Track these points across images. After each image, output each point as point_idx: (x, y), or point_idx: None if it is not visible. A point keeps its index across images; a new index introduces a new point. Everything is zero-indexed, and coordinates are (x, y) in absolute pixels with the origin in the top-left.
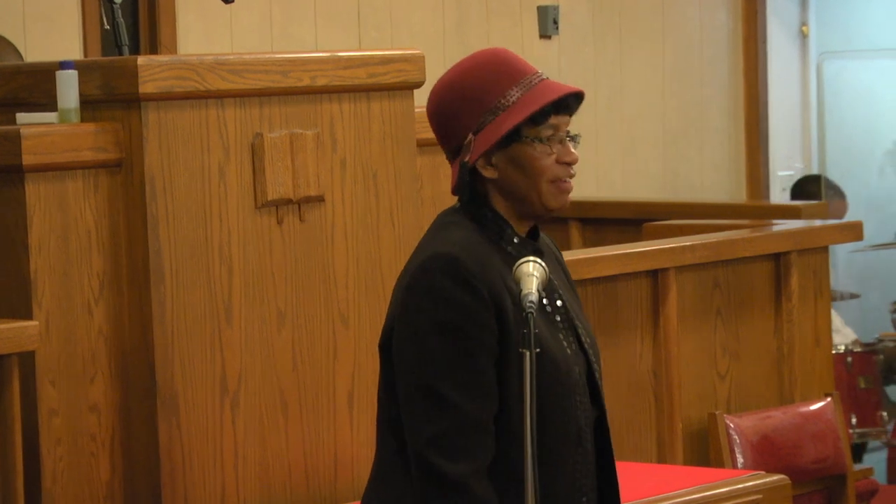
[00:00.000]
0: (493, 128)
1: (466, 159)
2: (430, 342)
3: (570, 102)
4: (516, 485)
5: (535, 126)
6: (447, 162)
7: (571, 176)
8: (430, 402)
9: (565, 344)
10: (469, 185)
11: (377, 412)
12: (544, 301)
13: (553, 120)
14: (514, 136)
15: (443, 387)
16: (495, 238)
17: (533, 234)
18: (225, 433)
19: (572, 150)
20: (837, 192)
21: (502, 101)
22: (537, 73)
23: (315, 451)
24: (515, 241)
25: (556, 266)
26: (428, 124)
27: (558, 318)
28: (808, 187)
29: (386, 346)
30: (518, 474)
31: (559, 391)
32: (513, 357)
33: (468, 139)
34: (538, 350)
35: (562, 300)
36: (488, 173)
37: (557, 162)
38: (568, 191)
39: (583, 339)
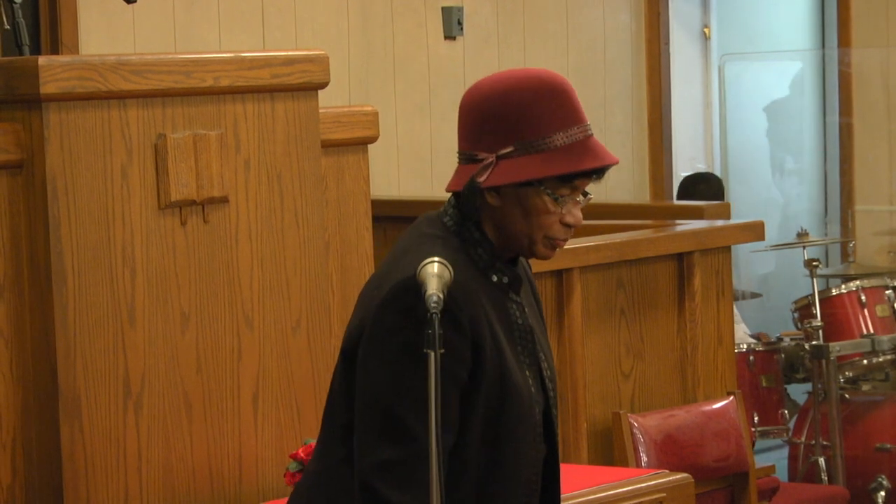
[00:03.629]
0: (519, 163)
1: (480, 180)
2: (400, 366)
3: (602, 170)
4: None
5: (557, 182)
6: (352, 163)
7: (567, 237)
8: (389, 426)
9: (531, 382)
10: (469, 205)
11: (326, 415)
12: (514, 333)
13: (577, 182)
14: (533, 181)
15: (405, 413)
16: (481, 263)
17: (513, 260)
18: (128, 435)
19: (579, 212)
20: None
21: (542, 142)
22: (586, 124)
23: (219, 452)
24: (499, 266)
25: (528, 292)
26: (332, 125)
27: (523, 355)
28: (698, 186)
29: (350, 353)
30: None
31: (519, 432)
32: (482, 391)
33: (489, 159)
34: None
35: (530, 334)
36: (492, 200)
37: (561, 221)
38: (558, 249)
39: (545, 374)
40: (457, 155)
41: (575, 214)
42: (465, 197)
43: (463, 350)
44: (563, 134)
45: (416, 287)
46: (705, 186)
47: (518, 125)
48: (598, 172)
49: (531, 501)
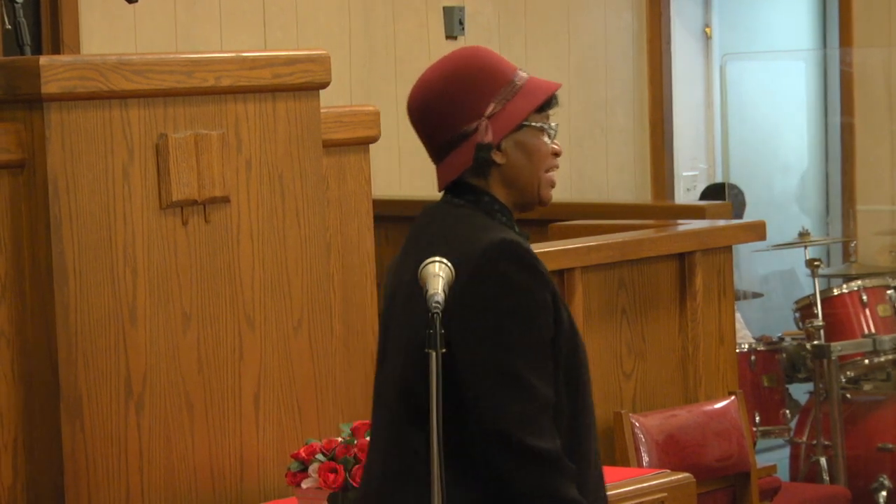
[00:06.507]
0: (507, 112)
1: (488, 140)
2: (506, 328)
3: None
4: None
5: (540, 114)
6: (353, 163)
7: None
8: (512, 386)
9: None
10: (484, 168)
11: (394, 408)
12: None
13: (549, 110)
14: (524, 121)
15: (522, 370)
16: (507, 226)
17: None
18: (129, 435)
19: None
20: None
21: (512, 86)
22: (520, 68)
23: (221, 452)
24: (518, 229)
25: None
26: (333, 125)
27: None
28: (720, 197)
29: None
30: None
31: (585, 376)
32: (562, 338)
33: (483, 124)
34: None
35: None
36: (499, 158)
37: (552, 153)
38: (554, 184)
39: None
40: (434, 157)
41: (558, 143)
42: (480, 161)
43: (549, 301)
44: (518, 76)
45: (499, 255)
46: (724, 197)
47: (487, 83)
48: (555, 97)
49: (595, 434)
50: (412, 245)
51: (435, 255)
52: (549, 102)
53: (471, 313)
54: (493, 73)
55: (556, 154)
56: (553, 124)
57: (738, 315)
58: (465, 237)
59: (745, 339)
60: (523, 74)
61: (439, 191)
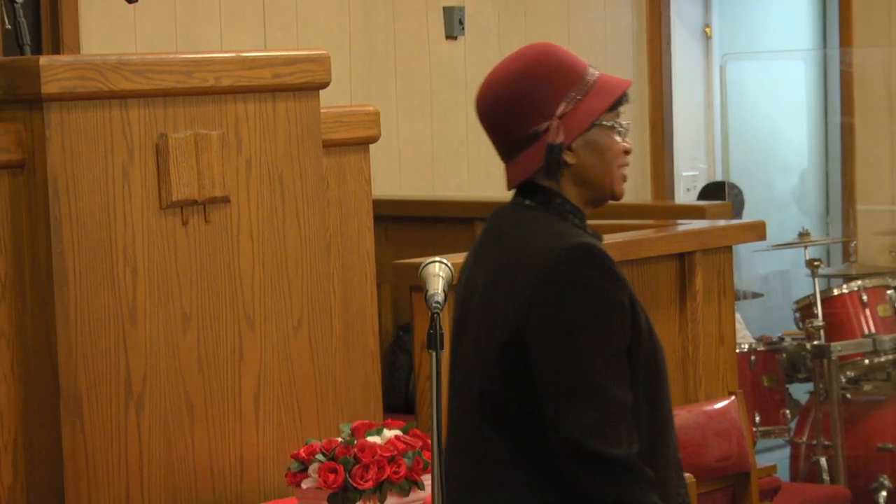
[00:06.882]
0: (578, 111)
1: (559, 141)
2: (582, 333)
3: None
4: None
5: (611, 112)
6: (353, 163)
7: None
8: (586, 392)
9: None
10: (555, 169)
11: (476, 414)
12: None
13: (619, 108)
14: (600, 116)
15: (596, 375)
16: (579, 228)
17: None
18: (129, 435)
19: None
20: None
21: (583, 84)
22: (590, 65)
23: (221, 452)
24: (591, 231)
25: None
26: (333, 125)
27: None
28: (718, 196)
29: (513, 343)
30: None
31: (665, 384)
32: (642, 343)
33: (554, 124)
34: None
35: None
36: (570, 158)
37: (623, 152)
38: (626, 178)
39: None
40: (503, 157)
41: (628, 141)
42: (552, 163)
43: (626, 304)
44: (589, 73)
45: (576, 259)
46: (723, 195)
47: (559, 82)
48: (626, 95)
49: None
50: (484, 248)
51: (511, 258)
52: (619, 100)
53: (546, 317)
54: (565, 72)
55: (627, 152)
56: (624, 122)
57: (738, 315)
58: (540, 241)
59: (745, 339)
60: (594, 72)
61: (509, 190)
